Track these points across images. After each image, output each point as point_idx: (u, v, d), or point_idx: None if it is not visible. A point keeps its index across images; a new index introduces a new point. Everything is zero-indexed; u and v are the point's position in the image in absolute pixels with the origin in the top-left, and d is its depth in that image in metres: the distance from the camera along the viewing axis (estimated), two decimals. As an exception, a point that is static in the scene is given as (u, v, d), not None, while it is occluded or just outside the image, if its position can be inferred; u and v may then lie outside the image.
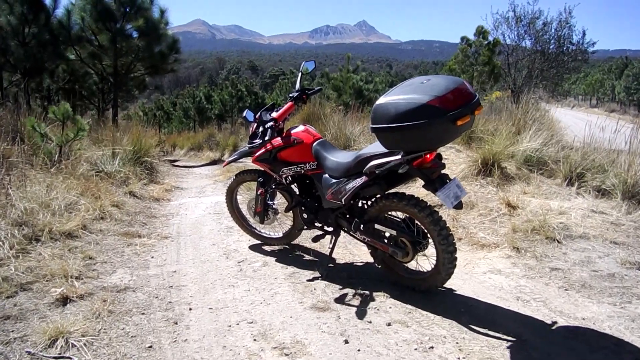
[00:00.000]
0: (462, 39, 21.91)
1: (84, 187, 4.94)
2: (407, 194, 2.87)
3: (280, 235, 3.96)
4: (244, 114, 3.52)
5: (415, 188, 4.96)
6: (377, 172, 2.81)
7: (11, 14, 11.22)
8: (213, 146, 17.74)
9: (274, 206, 3.72)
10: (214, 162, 12.63)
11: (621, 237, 3.66)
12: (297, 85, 3.70)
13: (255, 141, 3.43)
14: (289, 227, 3.87)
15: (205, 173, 9.51)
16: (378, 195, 2.99)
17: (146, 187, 6.32)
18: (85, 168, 5.74)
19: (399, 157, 2.65)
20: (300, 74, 3.79)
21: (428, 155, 2.64)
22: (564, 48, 16.22)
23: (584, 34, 15.88)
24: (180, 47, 13.90)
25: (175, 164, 13.19)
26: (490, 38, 19.81)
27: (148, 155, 7.37)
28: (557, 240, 3.63)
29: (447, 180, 2.68)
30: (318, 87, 3.90)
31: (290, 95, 3.65)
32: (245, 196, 4.54)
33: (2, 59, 11.51)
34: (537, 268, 3.31)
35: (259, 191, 3.61)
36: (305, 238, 4.02)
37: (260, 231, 4.06)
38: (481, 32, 20.82)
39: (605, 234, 3.71)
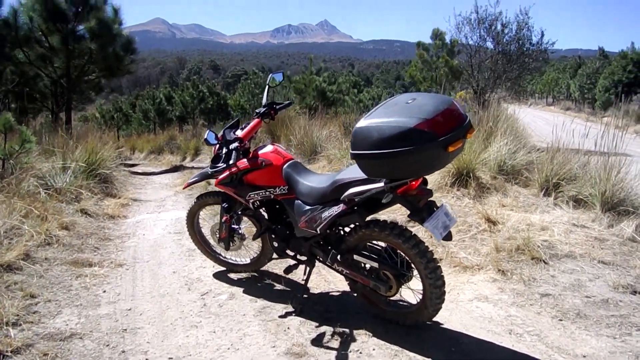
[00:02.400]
0: (418, 44, 21.98)
1: (29, 207, 4.48)
2: (389, 221, 2.60)
3: (248, 261, 3.62)
4: (205, 136, 3.10)
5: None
6: (356, 199, 2.52)
7: (-50, 13, 10.45)
8: (174, 149, 17.18)
9: (240, 231, 3.38)
10: (175, 169, 12.09)
11: (608, 256, 3.49)
12: (265, 99, 3.37)
13: (217, 165, 3.09)
14: (257, 252, 3.54)
15: (165, 182, 9.02)
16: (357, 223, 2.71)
17: (101, 203, 5.85)
18: (32, 184, 5.24)
19: (381, 184, 2.37)
20: (267, 86, 3.45)
21: (414, 182, 2.37)
22: (525, 49, 16.39)
23: (543, 34, 16.06)
24: (136, 47, 13.19)
25: (134, 170, 12.60)
26: (448, 39, 19.93)
27: (104, 167, 6.88)
28: (544, 261, 3.43)
29: (435, 209, 2.42)
30: (288, 101, 3.57)
31: (257, 111, 3.32)
32: (211, 212, 4.20)
33: (-58, 61, 10.72)
34: (526, 294, 3.10)
35: (224, 218, 3.26)
36: (275, 263, 3.70)
37: (225, 257, 3.70)
38: (437, 35, 20.92)
39: (592, 252, 3.54)
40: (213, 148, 3.22)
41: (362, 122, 2.26)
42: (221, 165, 3.06)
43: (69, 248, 4.08)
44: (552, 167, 4.85)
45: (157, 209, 6.13)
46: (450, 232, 2.42)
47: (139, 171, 12.15)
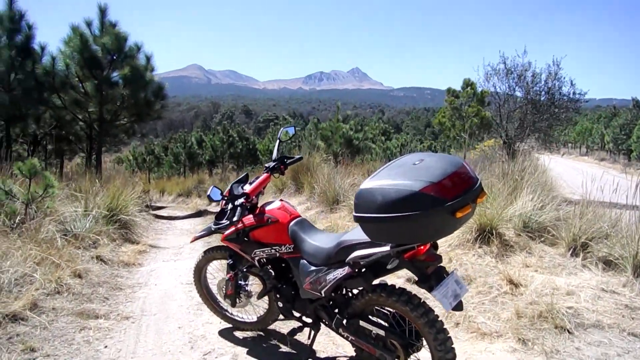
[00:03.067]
0: (448, 90, 21.97)
1: (45, 253, 4.48)
2: (397, 287, 2.45)
3: (254, 319, 3.48)
4: (209, 192, 2.99)
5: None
6: (361, 263, 2.40)
7: (-1, 60, 11.02)
8: (202, 193, 17.36)
9: (247, 288, 3.27)
10: (199, 213, 12.15)
11: (639, 327, 3.23)
12: (275, 154, 3.31)
13: (222, 222, 3.01)
14: (264, 310, 3.41)
15: (187, 228, 9.03)
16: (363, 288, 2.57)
17: (118, 249, 5.85)
18: (51, 229, 5.27)
19: (387, 248, 2.25)
20: (278, 141, 3.39)
21: (422, 247, 2.24)
22: (555, 99, 16.23)
23: (572, 84, 15.91)
24: (166, 93, 13.66)
25: (160, 213, 12.72)
26: (478, 89, 19.89)
27: (125, 212, 6.92)
28: (568, 330, 3.19)
29: (445, 275, 2.27)
30: (299, 156, 3.49)
31: (267, 165, 3.26)
32: (219, 266, 4.11)
33: (-15, 105, 11.23)
34: (548, 368, 2.87)
35: (229, 275, 3.16)
36: (284, 321, 3.55)
37: (231, 314, 3.58)
38: (468, 84, 20.91)
39: (622, 322, 3.28)
40: (220, 202, 3.14)
41: (366, 184, 2.16)
42: (224, 222, 2.98)
43: (78, 297, 4.03)
44: (580, 224, 4.62)
45: (174, 257, 6.08)
46: (461, 302, 2.26)
47: (164, 214, 12.26)
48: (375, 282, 2.53)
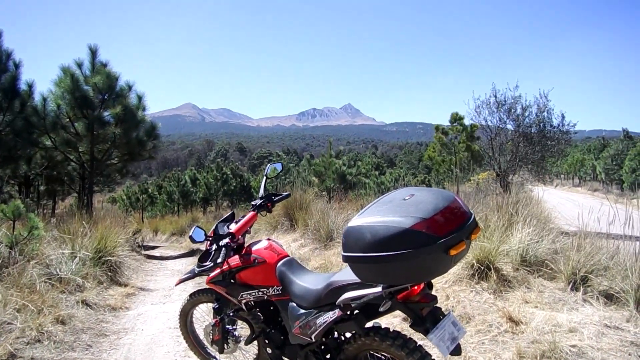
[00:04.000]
0: (437, 128, 22.12)
1: (27, 299, 4.30)
2: (391, 330, 2.32)
3: (244, 366, 3.31)
4: (191, 233, 2.81)
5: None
6: (352, 305, 2.27)
7: (-17, 102, 10.95)
8: (195, 232, 17.12)
9: (234, 333, 3.10)
10: (191, 252, 11.94)
11: (647, 366, 3.09)
12: (262, 191, 3.20)
13: (205, 264, 2.87)
14: (254, 356, 3.23)
15: (178, 268, 8.83)
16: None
17: (105, 292, 5.66)
18: (36, 273, 5.10)
19: (379, 289, 2.13)
20: (264, 177, 3.28)
21: (415, 287, 2.12)
22: (546, 131, 16.32)
23: (563, 117, 16.03)
24: (158, 132, 13.60)
25: (152, 253, 12.50)
26: (467, 122, 20.02)
27: (113, 254, 6.74)
28: (573, 371, 3.05)
29: (441, 317, 2.14)
30: (286, 193, 3.39)
31: (253, 203, 3.14)
32: (207, 309, 3.94)
33: (-27, 148, 11.12)
34: (554, 414, 2.70)
35: (215, 320, 3.01)
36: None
37: (220, 361, 3.41)
38: (457, 119, 21.06)
39: (628, 361, 3.14)
40: (205, 243, 2.99)
41: (354, 222, 2.05)
42: (208, 263, 2.84)
43: (59, 346, 3.85)
44: (579, 257, 4.51)
45: (163, 300, 5.89)
46: (459, 345, 2.12)
47: (156, 254, 12.05)
48: (369, 324, 2.39)
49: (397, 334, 2.27)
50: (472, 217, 2.01)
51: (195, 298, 3.33)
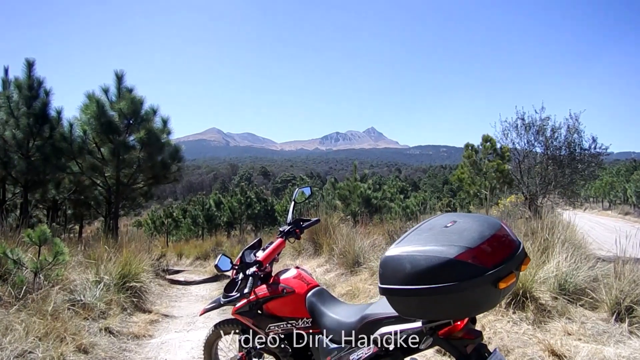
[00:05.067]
0: (467, 146, 21.71)
1: (49, 327, 4.22)
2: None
3: (271, 401, 3.13)
4: (217, 262, 2.66)
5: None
6: (389, 341, 2.10)
7: (17, 128, 11.23)
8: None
9: (261, 367, 2.95)
10: (216, 278, 11.84)
11: None
12: (290, 217, 3.07)
13: (231, 294, 2.73)
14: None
15: (203, 294, 8.72)
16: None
17: (128, 319, 5.56)
18: (60, 299, 5.04)
19: (418, 324, 1.96)
20: (293, 202, 3.16)
21: (459, 322, 1.95)
22: (576, 154, 15.90)
23: (595, 140, 15.60)
24: (182, 155, 13.72)
25: (176, 277, 12.45)
26: (498, 145, 19.61)
27: (138, 280, 6.68)
28: (627, 413, 2.79)
29: (486, 355, 1.96)
30: (315, 219, 3.25)
31: (281, 229, 3.01)
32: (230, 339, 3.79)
33: (4, 172, 11.37)
34: None
35: (240, 353, 2.86)
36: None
37: (246, 396, 3.24)
38: (487, 140, 20.65)
39: (687, 402, 2.87)
40: (231, 272, 2.86)
41: (392, 250, 1.89)
42: (235, 294, 2.70)
43: (81, 376, 3.74)
44: (621, 286, 4.24)
45: (187, 327, 5.76)
46: (507, 387, 1.93)
47: (181, 279, 11.99)
48: (406, 361, 2.22)
49: (437, 373, 2.09)
50: (521, 247, 1.84)
51: (220, 328, 3.19)
